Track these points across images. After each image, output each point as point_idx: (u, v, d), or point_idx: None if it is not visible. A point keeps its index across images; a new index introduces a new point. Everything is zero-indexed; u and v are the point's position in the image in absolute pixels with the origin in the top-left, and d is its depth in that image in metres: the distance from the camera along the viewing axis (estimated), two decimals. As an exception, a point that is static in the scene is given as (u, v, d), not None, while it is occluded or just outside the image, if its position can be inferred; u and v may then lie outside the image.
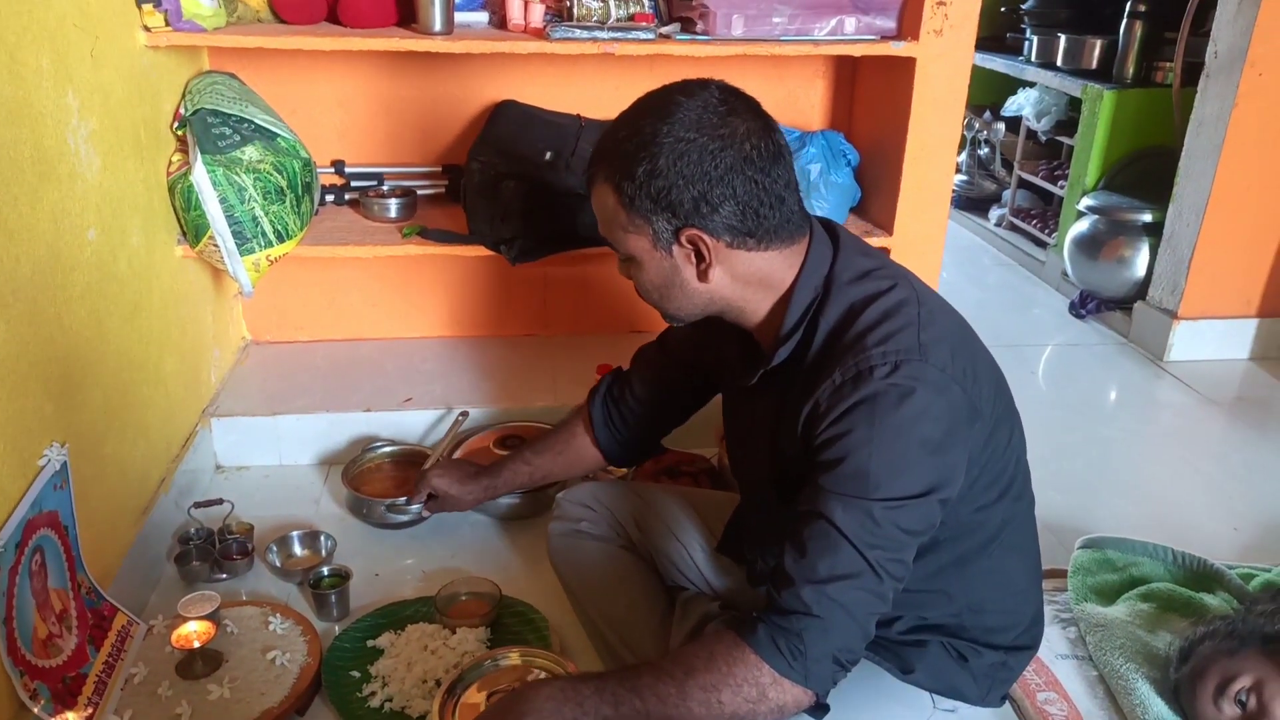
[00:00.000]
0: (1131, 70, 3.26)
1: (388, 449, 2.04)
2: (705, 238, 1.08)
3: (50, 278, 1.40)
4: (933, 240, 2.20)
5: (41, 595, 1.33)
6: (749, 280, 1.13)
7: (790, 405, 1.12)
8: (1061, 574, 1.74)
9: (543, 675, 1.42)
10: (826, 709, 1.09)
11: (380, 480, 1.98)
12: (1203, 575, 1.74)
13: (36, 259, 1.36)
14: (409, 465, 1.99)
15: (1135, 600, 1.66)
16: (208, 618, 1.47)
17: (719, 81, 1.10)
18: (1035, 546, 1.33)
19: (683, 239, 1.08)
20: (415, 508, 1.77)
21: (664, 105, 1.07)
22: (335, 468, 2.11)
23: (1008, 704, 1.46)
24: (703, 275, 1.11)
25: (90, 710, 1.34)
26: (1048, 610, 1.43)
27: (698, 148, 1.04)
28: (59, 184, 1.43)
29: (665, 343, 1.49)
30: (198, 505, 1.80)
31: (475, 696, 1.39)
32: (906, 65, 2.04)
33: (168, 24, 1.80)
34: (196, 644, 1.45)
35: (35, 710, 1.25)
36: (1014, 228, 3.90)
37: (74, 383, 1.47)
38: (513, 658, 1.45)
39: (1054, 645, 1.60)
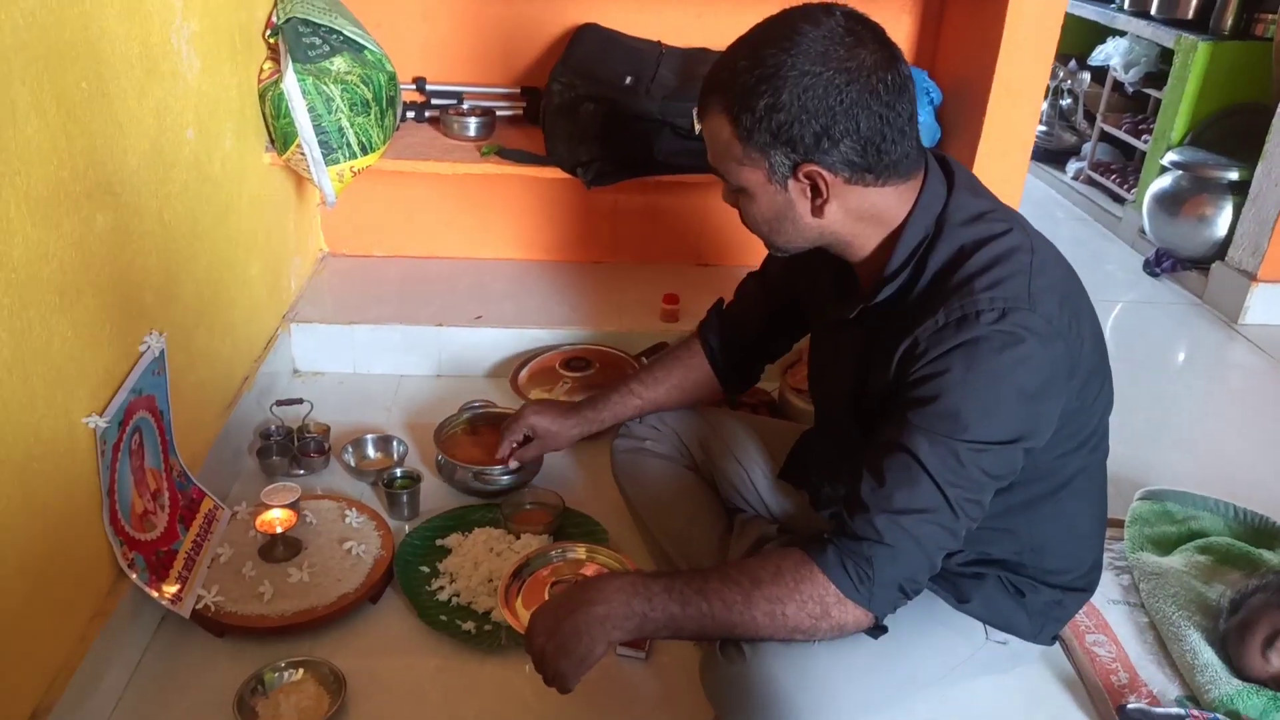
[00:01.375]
0: (1230, 21, 3.14)
1: (483, 411, 1.93)
2: (824, 173, 1.05)
3: (153, 172, 1.46)
4: (1011, 187, 2.16)
5: (139, 473, 1.41)
6: (862, 215, 1.11)
7: (884, 340, 1.11)
8: (1118, 523, 1.75)
9: (603, 568, 1.48)
10: (884, 630, 1.12)
11: (471, 444, 1.86)
12: (1263, 532, 1.73)
13: (142, 153, 1.42)
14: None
15: (1192, 552, 1.66)
16: (289, 506, 1.55)
17: (843, 6, 1.05)
18: (1103, 496, 1.33)
19: (800, 174, 1.06)
20: (505, 479, 1.75)
21: (787, 34, 1.02)
22: (406, 378, 2.18)
23: (1057, 644, 1.48)
24: (818, 211, 1.09)
25: (180, 584, 1.43)
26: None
27: (823, 81, 1.00)
28: (162, 81, 1.48)
29: (766, 273, 1.49)
30: (279, 403, 1.88)
31: (540, 579, 1.46)
32: (999, 3, 2.00)
33: (264, -69, 1.83)
34: (279, 529, 1.53)
35: (133, 578, 1.34)
36: (1091, 182, 3.81)
37: (171, 276, 1.54)
38: (578, 551, 1.51)
39: (1106, 591, 1.61)
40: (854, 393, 1.20)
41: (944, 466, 1.04)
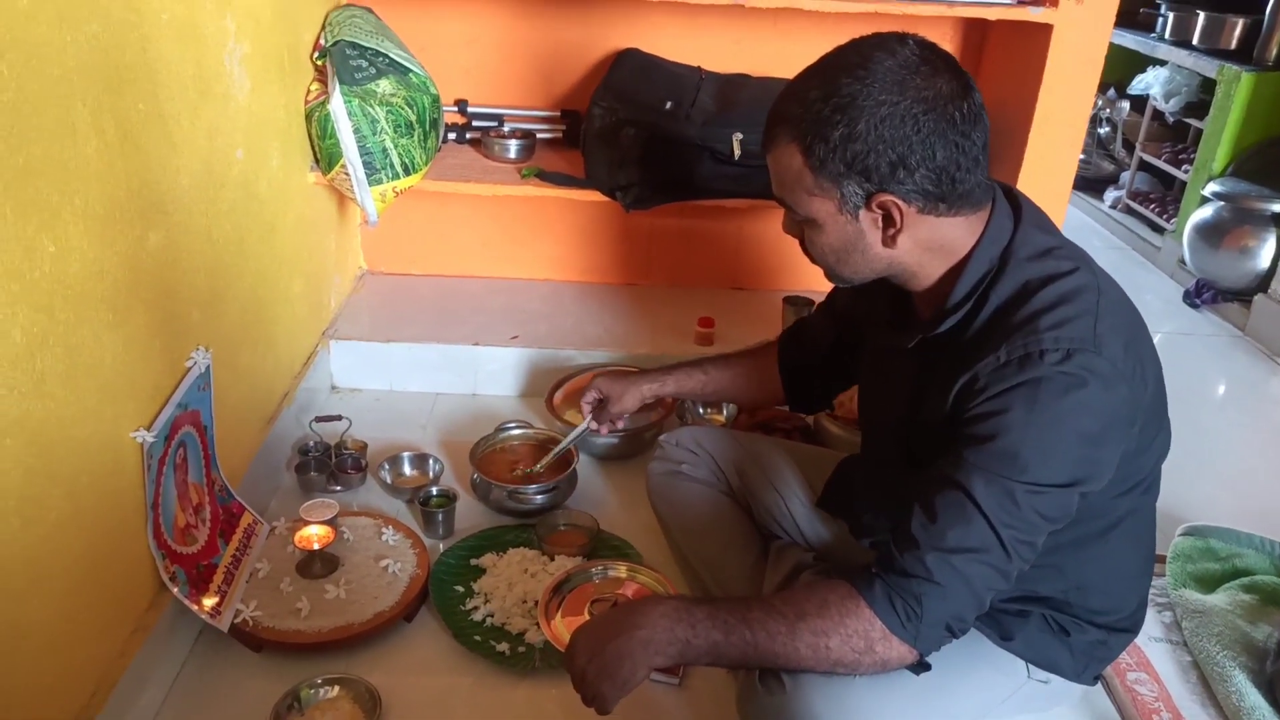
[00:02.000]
0: (1275, 52, 3.11)
1: (518, 431, 1.94)
2: (899, 202, 1.03)
3: (204, 192, 1.49)
4: (1052, 216, 2.06)
5: (182, 487, 1.43)
6: (931, 246, 1.09)
7: (941, 372, 1.09)
8: (1160, 559, 1.72)
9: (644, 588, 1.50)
10: (928, 667, 1.10)
11: (507, 463, 1.87)
12: (1310, 572, 1.70)
13: (194, 172, 1.44)
14: (538, 450, 1.88)
15: (1237, 590, 1.63)
16: (327, 523, 1.56)
17: (915, 36, 1.04)
18: (1152, 537, 1.31)
19: (874, 204, 1.04)
20: (540, 498, 1.77)
21: (861, 63, 1.00)
22: (442, 396, 2.20)
23: (1098, 683, 1.46)
24: (889, 241, 1.07)
25: (220, 597, 1.44)
26: (1144, 593, 1.42)
27: (900, 111, 0.99)
28: (215, 103, 1.51)
29: (834, 300, 1.47)
30: (319, 419, 1.90)
31: (581, 596, 1.48)
32: (1042, 32, 2.00)
33: (315, -44, 1.86)
34: (316, 545, 1.54)
35: (174, 591, 1.35)
36: (1130, 211, 3.78)
37: (217, 293, 1.56)
38: (619, 570, 1.52)
39: (1148, 628, 1.57)
40: (905, 423, 1.19)
41: (999, 507, 1.02)
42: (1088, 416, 1.02)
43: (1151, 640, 1.57)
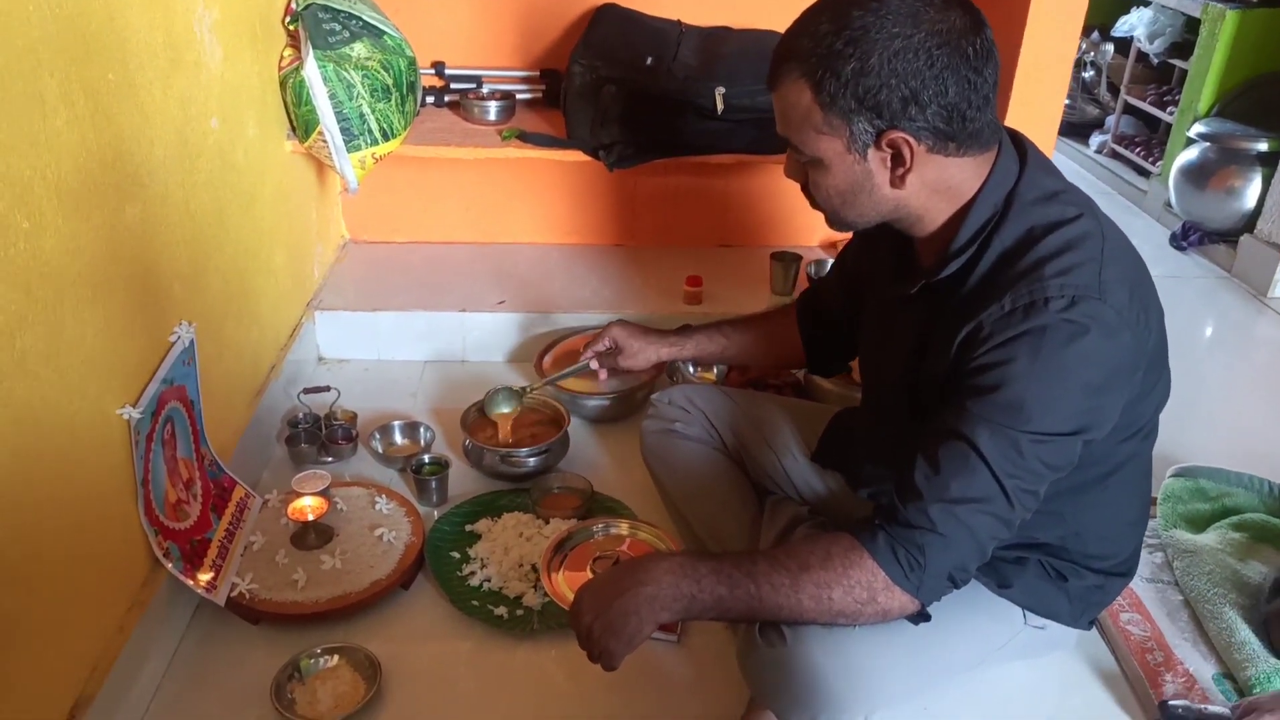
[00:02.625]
0: (1259, -11, 3.09)
1: (508, 394, 1.87)
2: (910, 140, 1.01)
3: (179, 163, 1.46)
4: None
5: (171, 463, 1.42)
6: (938, 188, 1.07)
7: (945, 322, 1.08)
8: (1151, 501, 1.73)
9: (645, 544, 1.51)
10: (928, 617, 1.11)
11: (497, 428, 1.85)
12: (1299, 508, 1.72)
13: (168, 143, 1.42)
14: (528, 414, 1.89)
15: (1227, 529, 1.65)
16: (320, 494, 1.56)
17: None
18: (1149, 482, 1.31)
19: (883, 142, 1.02)
20: (533, 460, 1.76)
21: None
22: (431, 364, 2.19)
23: (1093, 627, 1.47)
24: (898, 181, 1.05)
25: (215, 572, 1.44)
26: (1135, 534, 1.43)
27: (914, 44, 0.96)
28: (186, 71, 1.48)
29: (844, 261, 1.45)
30: (307, 391, 1.89)
31: (583, 554, 1.50)
32: (1025, -26, 1.97)
33: (282, -84, 1.82)
34: (310, 517, 1.54)
35: (168, 567, 1.35)
36: (1115, 155, 3.76)
37: (198, 266, 1.54)
38: (621, 527, 1.54)
39: (1140, 569, 1.60)
40: (908, 374, 1.18)
41: (1003, 457, 1.02)
42: (1092, 365, 1.02)
43: (1144, 581, 1.58)
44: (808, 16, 1.03)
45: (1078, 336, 1.00)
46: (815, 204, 1.15)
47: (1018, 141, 1.13)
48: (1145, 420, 1.21)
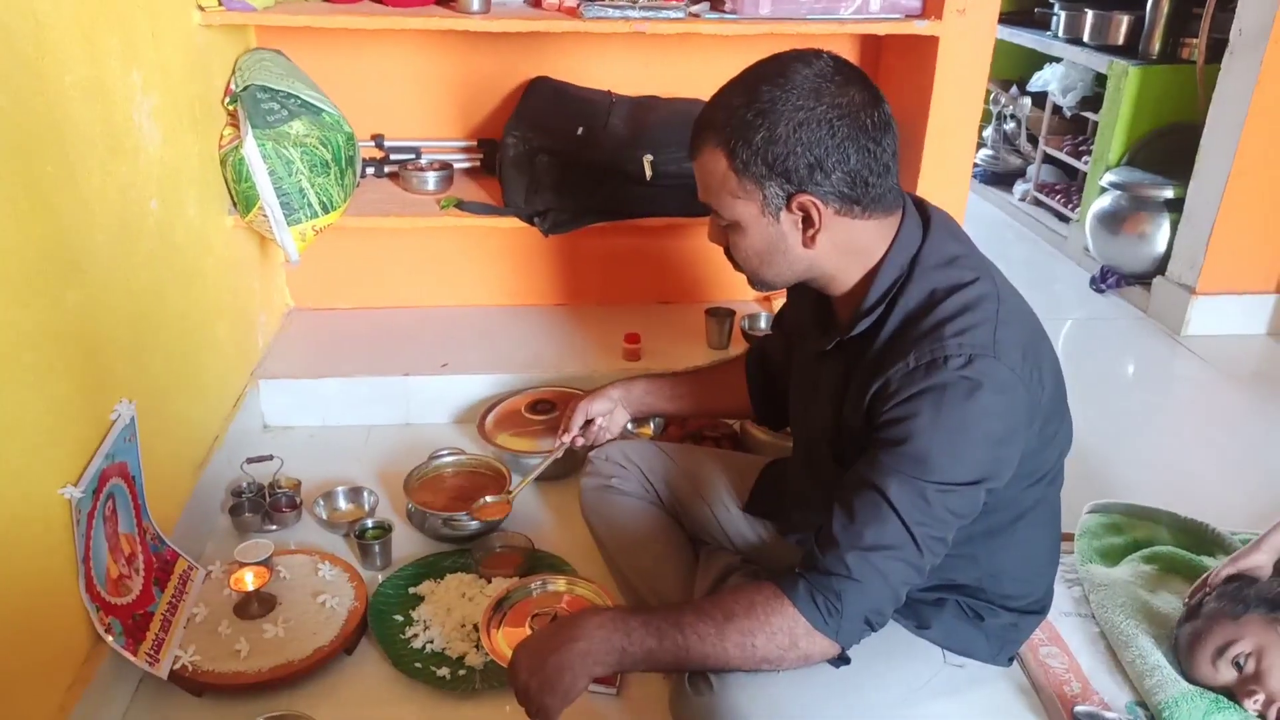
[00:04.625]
0: (1157, 46, 3.28)
1: (450, 459, 1.98)
2: (817, 203, 1.10)
3: (120, 245, 1.50)
4: (954, 215, 2.25)
5: (113, 538, 1.45)
6: (846, 249, 1.16)
7: (859, 378, 1.16)
8: (1068, 537, 1.81)
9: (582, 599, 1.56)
10: (848, 660, 1.17)
11: (440, 491, 1.92)
12: (1205, 539, 1.80)
13: (108, 228, 1.46)
14: (471, 477, 1.96)
15: (1138, 561, 1.73)
16: (262, 563, 1.58)
17: (829, 52, 1.12)
18: (1058, 525, 1.40)
19: (794, 205, 1.11)
20: (475, 524, 1.80)
21: (781, 73, 1.08)
22: (375, 428, 2.22)
23: (1014, 663, 1.54)
24: (809, 241, 1.14)
25: (157, 645, 1.46)
26: (1053, 571, 1.50)
27: (817, 116, 1.06)
28: (126, 157, 1.53)
29: (782, 319, 1.54)
30: (250, 461, 1.91)
31: (521, 612, 1.56)
32: (929, 44, 2.10)
33: (220, 4, 1.89)
34: (252, 586, 1.56)
35: (110, 642, 1.37)
36: (1038, 203, 3.93)
37: (140, 344, 1.58)
38: (558, 584, 1.59)
39: (1058, 604, 1.66)
40: (831, 427, 1.25)
41: (912, 506, 1.09)
42: (991, 418, 1.10)
43: (1062, 615, 1.65)
44: (723, 92, 1.14)
45: (975, 392, 1.08)
46: (737, 265, 1.23)
47: (921, 207, 1.22)
48: (1049, 467, 1.29)
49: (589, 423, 1.67)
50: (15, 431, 1.20)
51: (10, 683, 1.20)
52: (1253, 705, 1.39)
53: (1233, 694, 1.41)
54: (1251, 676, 1.39)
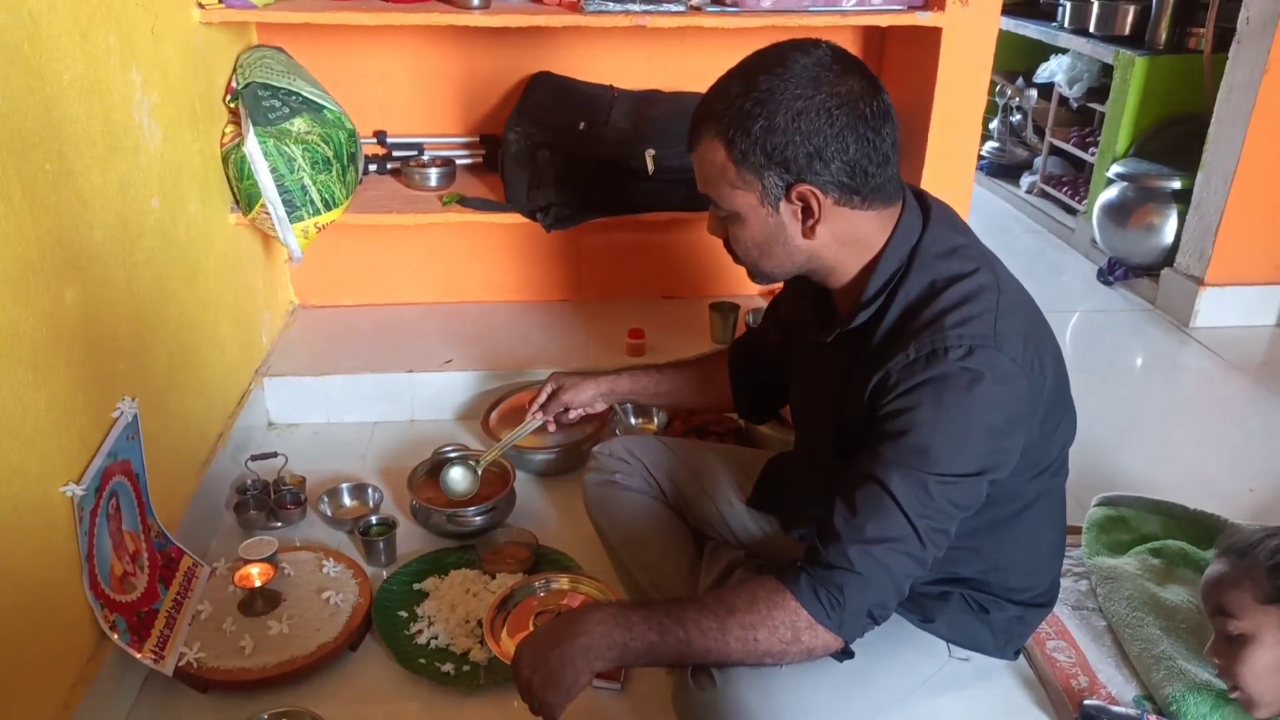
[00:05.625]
0: (1164, 36, 3.26)
1: (454, 455, 1.91)
2: (816, 192, 1.10)
3: (120, 243, 1.50)
4: (958, 207, 2.21)
5: (117, 536, 1.45)
6: (846, 240, 1.15)
7: (859, 370, 1.16)
8: (1075, 530, 1.81)
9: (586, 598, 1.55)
10: (851, 655, 1.17)
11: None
12: (1214, 530, 1.79)
13: (108, 226, 1.46)
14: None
15: (1146, 554, 1.72)
16: (267, 560, 1.58)
17: (828, 42, 1.11)
18: (1063, 516, 1.39)
19: (793, 195, 1.10)
20: (479, 519, 1.80)
21: (779, 62, 1.07)
22: (380, 425, 2.22)
23: (1020, 656, 1.53)
24: (808, 232, 1.13)
25: (163, 643, 1.46)
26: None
27: (815, 105, 1.05)
28: (125, 155, 1.53)
29: (777, 305, 1.52)
30: (254, 458, 1.91)
31: (525, 610, 1.55)
32: (933, 35, 2.08)
33: (220, 1, 1.88)
34: (257, 583, 1.56)
35: (115, 640, 1.37)
36: (1045, 195, 3.91)
37: (141, 342, 1.58)
38: (562, 582, 1.58)
39: (1065, 597, 1.66)
40: (832, 418, 1.25)
41: (914, 499, 1.08)
42: (992, 409, 1.09)
43: (1069, 608, 1.65)
44: (721, 82, 1.13)
45: (976, 382, 1.08)
46: (736, 258, 1.23)
47: (921, 198, 1.21)
48: (1053, 458, 1.28)
49: (555, 392, 1.63)
50: (16, 430, 1.20)
51: (15, 680, 1.20)
52: (1233, 695, 1.36)
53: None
54: (1229, 667, 1.33)
